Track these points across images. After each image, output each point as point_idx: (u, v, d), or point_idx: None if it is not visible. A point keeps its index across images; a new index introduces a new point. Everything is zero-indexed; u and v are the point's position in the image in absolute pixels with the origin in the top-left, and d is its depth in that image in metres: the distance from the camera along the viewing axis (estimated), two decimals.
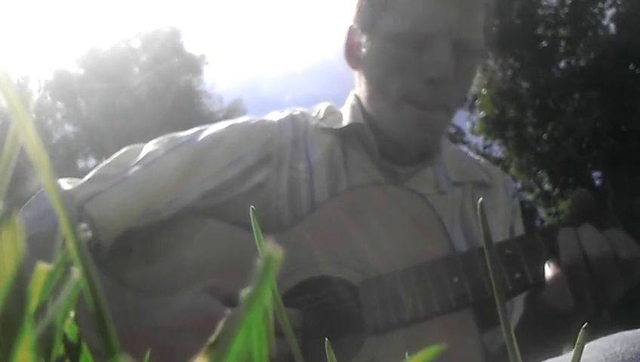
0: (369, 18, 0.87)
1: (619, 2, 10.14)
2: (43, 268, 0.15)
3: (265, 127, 0.88)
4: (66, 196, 0.81)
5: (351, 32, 0.91)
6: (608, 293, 0.69)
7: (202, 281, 0.74)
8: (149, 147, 0.86)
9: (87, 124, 13.28)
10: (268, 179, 0.84)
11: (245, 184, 0.84)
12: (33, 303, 0.15)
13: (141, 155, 0.85)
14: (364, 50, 0.88)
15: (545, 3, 10.49)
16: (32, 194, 0.80)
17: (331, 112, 0.94)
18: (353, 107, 0.92)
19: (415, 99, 0.83)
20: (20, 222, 0.14)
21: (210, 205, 0.83)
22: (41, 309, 0.15)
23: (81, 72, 13.83)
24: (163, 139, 0.87)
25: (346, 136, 0.90)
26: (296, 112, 0.92)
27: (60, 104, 13.95)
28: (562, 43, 10.36)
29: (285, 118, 0.91)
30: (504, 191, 0.97)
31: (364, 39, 0.88)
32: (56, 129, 13.97)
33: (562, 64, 10.45)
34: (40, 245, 0.27)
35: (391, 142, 0.89)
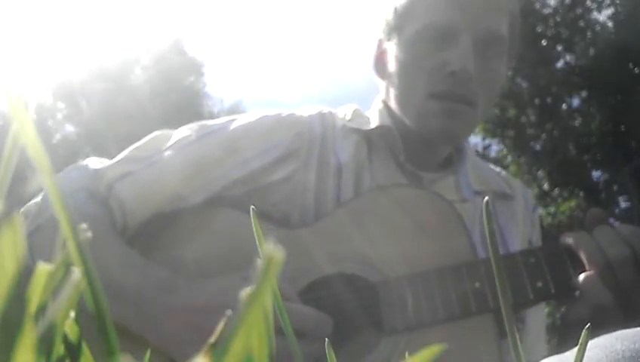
0: (396, 26, 0.89)
1: (617, 1, 10.13)
2: (43, 268, 0.15)
3: (295, 120, 0.89)
4: (95, 175, 0.82)
5: (379, 43, 0.94)
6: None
7: (220, 271, 0.73)
8: (181, 132, 0.87)
9: (88, 124, 13.27)
10: (295, 171, 0.85)
11: (272, 175, 0.84)
12: (33, 303, 0.15)
13: (172, 140, 0.86)
14: (390, 56, 0.91)
15: (544, 2, 10.48)
16: (32, 195, 0.80)
17: (358, 115, 0.95)
18: (381, 111, 0.93)
19: (438, 93, 0.84)
20: (20, 222, 0.14)
21: (235, 194, 0.83)
22: (42, 309, 0.15)
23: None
24: (194, 125, 0.88)
25: (373, 138, 0.91)
26: (324, 111, 0.94)
27: (60, 104, 13.95)
28: (561, 42, 10.35)
29: (315, 113, 0.92)
30: (524, 204, 0.98)
31: (390, 46, 0.91)
32: (57, 129, 13.96)
33: (561, 63, 10.45)
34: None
35: (418, 142, 0.90)
